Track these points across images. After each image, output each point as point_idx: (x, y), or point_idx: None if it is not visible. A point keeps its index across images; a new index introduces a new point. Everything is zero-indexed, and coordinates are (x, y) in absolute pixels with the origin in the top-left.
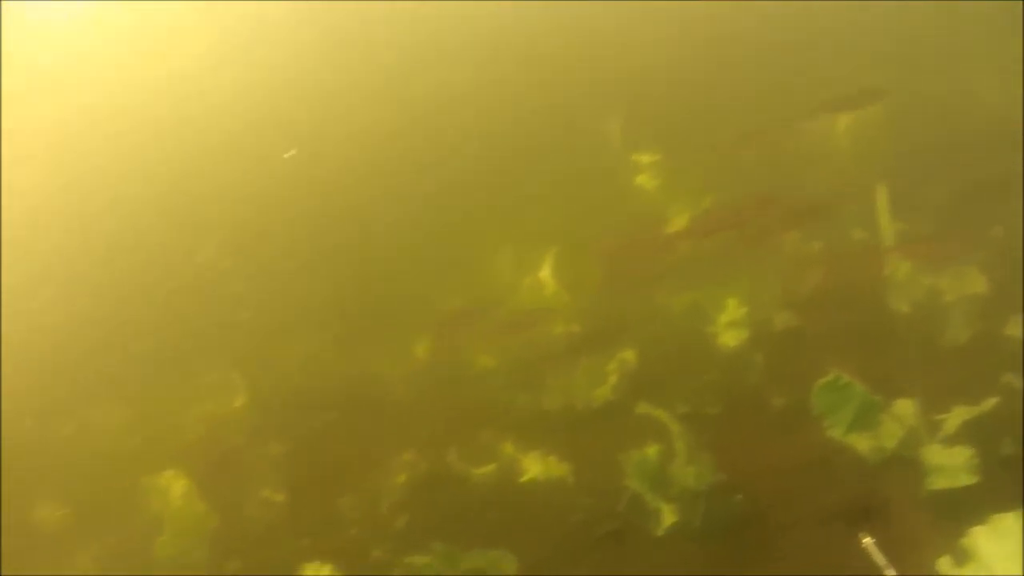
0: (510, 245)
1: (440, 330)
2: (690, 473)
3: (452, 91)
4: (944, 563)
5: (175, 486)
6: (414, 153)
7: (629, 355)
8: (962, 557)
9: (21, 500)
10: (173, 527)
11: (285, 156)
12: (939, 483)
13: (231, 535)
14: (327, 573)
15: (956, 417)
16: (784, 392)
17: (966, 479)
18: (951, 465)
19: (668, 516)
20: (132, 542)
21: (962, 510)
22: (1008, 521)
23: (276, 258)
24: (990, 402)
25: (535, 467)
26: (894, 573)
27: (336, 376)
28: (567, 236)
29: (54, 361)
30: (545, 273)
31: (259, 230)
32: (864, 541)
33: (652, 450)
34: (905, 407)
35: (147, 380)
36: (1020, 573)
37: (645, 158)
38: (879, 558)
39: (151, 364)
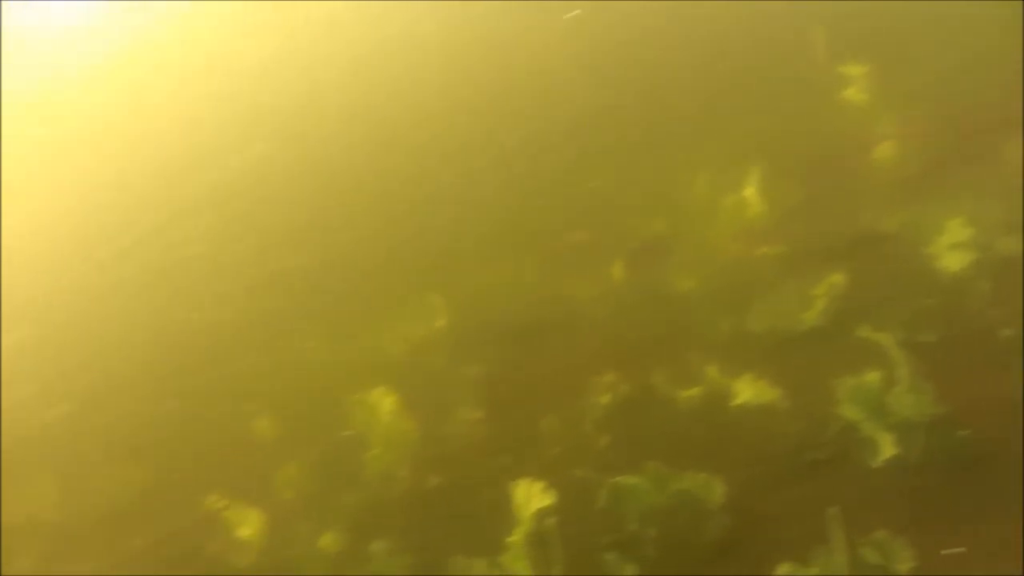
0: (710, 165)
1: (639, 252)
2: (910, 403)
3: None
4: None
5: (384, 403)
6: (612, 73)
7: (838, 278)
8: None
9: (239, 415)
10: (381, 442)
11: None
12: None
13: (433, 452)
14: (539, 489)
15: None
16: (1013, 322)
17: None
18: None
19: (886, 447)
20: (340, 455)
21: None
22: None
23: (475, 184)
24: None
25: (746, 391)
26: None
27: (534, 298)
28: (770, 154)
29: (271, 294)
30: (748, 192)
31: (462, 154)
32: None
33: (872, 376)
34: None
35: (352, 304)
36: None
37: (852, 70)
38: None
39: (356, 289)
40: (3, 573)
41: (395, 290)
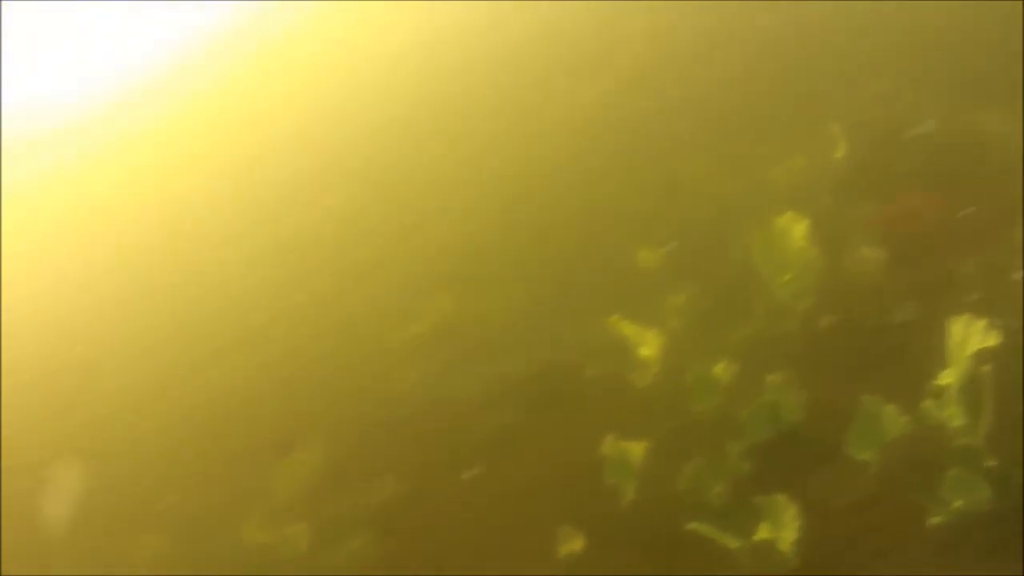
0: None
1: None
2: None
3: None
4: None
5: (794, 230)
6: None
7: None
8: None
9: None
10: (785, 272)
11: None
12: None
13: (836, 287)
14: (980, 328)
15: None
16: None
17: None
18: None
19: None
20: (736, 284)
21: None
22: None
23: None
24: None
25: None
26: None
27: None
28: None
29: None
30: None
31: None
32: None
33: None
34: None
35: (748, 132)
36: None
37: None
38: None
39: (751, 115)
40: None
41: (791, 119)
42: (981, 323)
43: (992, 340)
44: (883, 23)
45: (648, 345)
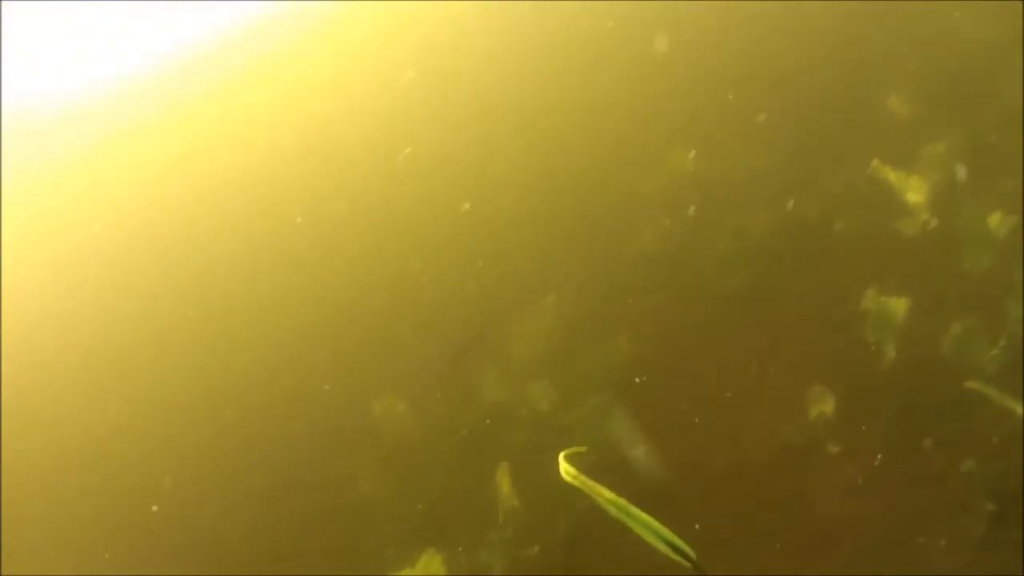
0: None
1: None
2: None
3: None
4: None
5: None
6: None
7: None
8: None
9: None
10: None
11: None
12: None
13: None
14: None
15: None
16: None
17: None
18: None
19: None
20: (1003, 123)
21: None
22: None
23: None
24: None
25: None
26: None
27: None
28: None
29: None
30: None
31: None
32: None
33: None
34: None
35: None
36: None
37: None
38: None
39: None
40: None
41: None
42: None
43: None
44: None
45: (911, 194)
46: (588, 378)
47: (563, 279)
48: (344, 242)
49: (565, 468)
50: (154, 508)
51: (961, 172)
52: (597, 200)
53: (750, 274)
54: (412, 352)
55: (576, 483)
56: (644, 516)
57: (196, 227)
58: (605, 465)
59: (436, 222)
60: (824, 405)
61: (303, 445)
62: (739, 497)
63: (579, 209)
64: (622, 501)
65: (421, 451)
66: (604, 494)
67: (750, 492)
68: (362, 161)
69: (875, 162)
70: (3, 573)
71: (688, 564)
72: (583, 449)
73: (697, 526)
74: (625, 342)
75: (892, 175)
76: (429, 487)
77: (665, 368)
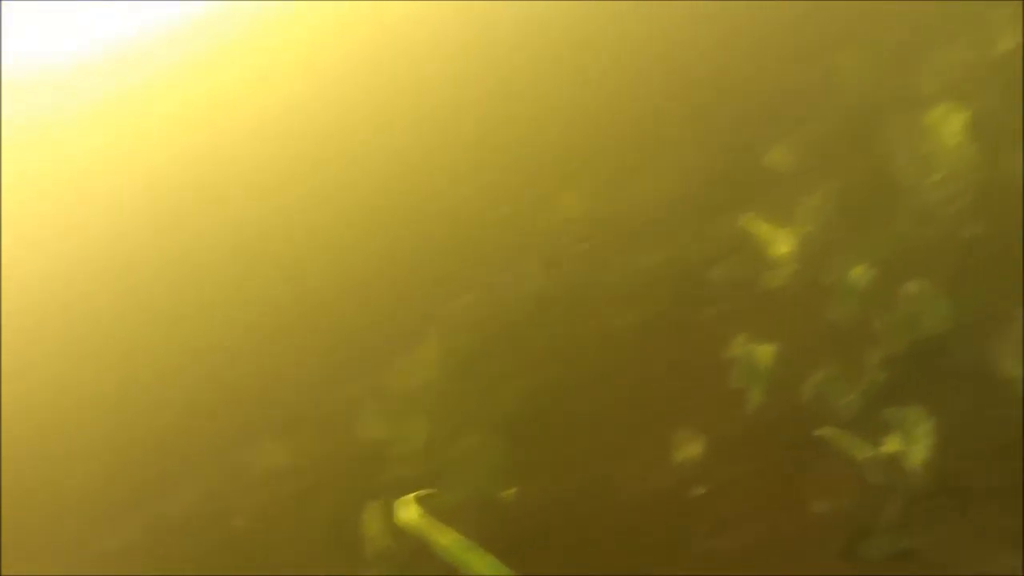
0: None
1: None
2: None
3: None
4: None
5: (946, 124)
6: None
7: None
8: None
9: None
10: (937, 171)
11: None
12: None
13: (992, 193)
14: None
15: None
16: None
17: None
18: None
19: None
20: (874, 178)
21: None
22: None
23: None
24: None
25: None
26: None
27: None
28: None
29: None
30: None
31: None
32: None
33: None
34: None
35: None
36: None
37: None
38: None
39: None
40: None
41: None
42: None
43: None
44: None
45: (780, 245)
46: (466, 417)
47: (447, 318)
48: (222, 281)
49: (401, 512)
50: None
51: (830, 224)
52: (485, 240)
53: (628, 318)
54: (291, 389)
55: (410, 526)
56: (488, 561)
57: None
58: (480, 503)
59: (319, 260)
60: (691, 448)
61: (182, 482)
62: (608, 537)
63: (467, 248)
64: (465, 544)
65: (295, 488)
66: (442, 538)
67: (619, 532)
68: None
69: (750, 213)
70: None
71: None
72: (431, 491)
73: (565, 568)
74: (504, 382)
75: (765, 226)
76: (302, 524)
77: (541, 408)
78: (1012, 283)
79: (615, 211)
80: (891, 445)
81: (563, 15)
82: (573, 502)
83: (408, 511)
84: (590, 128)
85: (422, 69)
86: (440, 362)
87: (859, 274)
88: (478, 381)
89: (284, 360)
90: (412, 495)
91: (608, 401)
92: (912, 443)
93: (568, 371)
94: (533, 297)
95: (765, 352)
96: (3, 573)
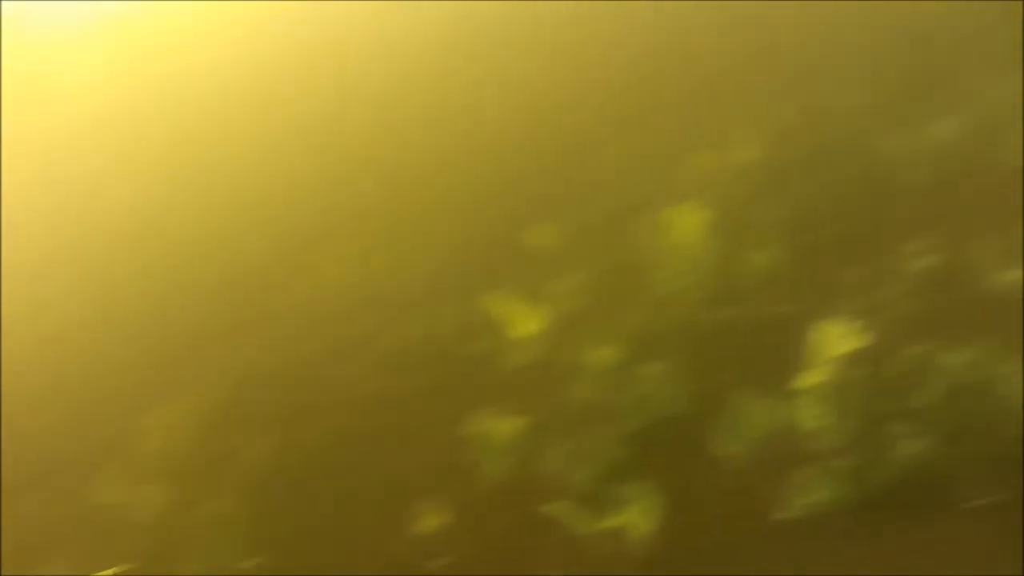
0: None
1: (972, 113)
2: None
3: None
4: None
5: (687, 221)
6: None
7: None
8: None
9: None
10: (678, 262)
11: None
12: None
13: (729, 283)
14: (849, 332)
15: None
16: None
17: None
18: None
19: None
20: (627, 272)
21: None
22: None
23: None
24: None
25: None
26: None
27: (852, 143)
28: None
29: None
30: None
31: None
32: None
33: None
34: None
35: (654, 125)
36: None
37: None
38: None
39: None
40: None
41: (708, 116)
42: (846, 327)
43: (855, 345)
44: (814, 30)
45: (527, 324)
46: (208, 482)
47: (194, 379)
48: None
49: None
50: None
51: (579, 307)
52: (240, 302)
53: (378, 387)
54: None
55: None
56: None
57: None
58: (220, 574)
59: (66, 321)
60: (432, 520)
61: None
62: None
63: (220, 308)
64: None
65: (29, 554)
66: None
67: None
68: None
69: (502, 291)
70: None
71: None
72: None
73: None
74: (248, 447)
75: (515, 305)
76: None
77: (286, 476)
78: (735, 368)
79: (373, 280)
80: (619, 518)
81: (307, 92)
82: (316, 574)
83: None
84: (351, 197)
85: None
86: (182, 424)
87: (602, 355)
88: (221, 445)
89: (16, 418)
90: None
91: (355, 471)
92: (638, 516)
93: (314, 439)
94: (284, 362)
95: (505, 427)
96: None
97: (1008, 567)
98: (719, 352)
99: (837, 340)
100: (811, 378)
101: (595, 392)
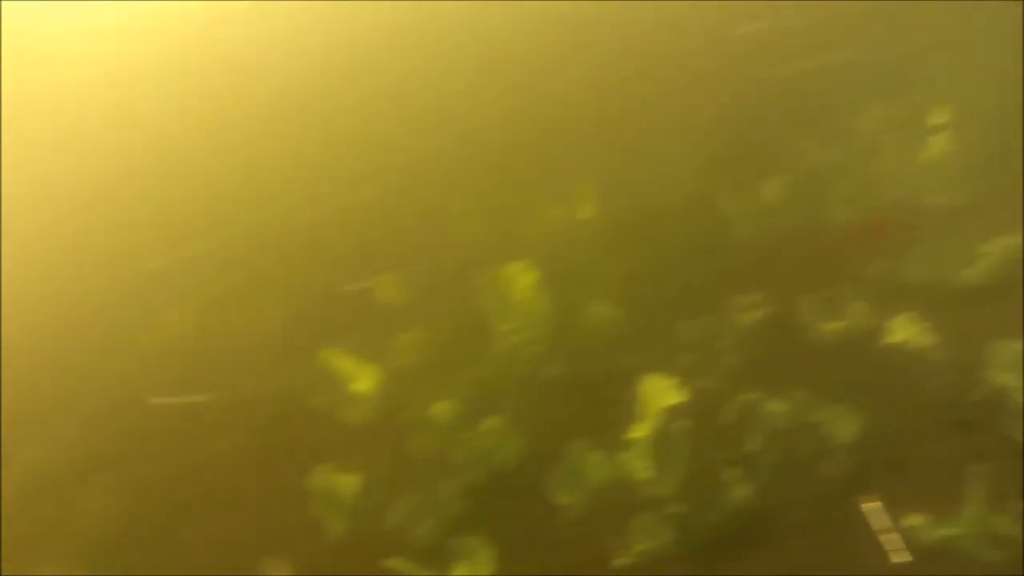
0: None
1: (798, 177)
2: None
3: None
4: None
5: (522, 279)
6: None
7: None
8: None
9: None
10: (513, 320)
11: None
12: None
13: (564, 339)
14: (671, 386)
15: None
16: None
17: None
18: None
19: None
20: (467, 328)
21: None
22: None
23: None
24: None
25: (900, 331)
26: None
27: (686, 203)
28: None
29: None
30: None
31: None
32: None
33: None
34: None
35: (497, 183)
36: None
37: None
38: None
39: (502, 169)
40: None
41: (546, 173)
42: (671, 381)
43: (680, 397)
44: (656, 95)
45: (365, 380)
46: (47, 545)
47: (39, 438)
48: None
49: None
50: None
51: (419, 362)
52: (92, 352)
53: (221, 444)
54: None
55: None
56: None
57: None
58: None
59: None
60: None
61: None
62: None
63: (66, 362)
64: None
65: None
66: None
67: None
68: None
69: (339, 347)
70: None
71: None
72: None
73: None
74: (90, 505)
75: (350, 361)
76: None
77: (130, 536)
78: (571, 421)
79: (220, 332)
80: (460, 570)
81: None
82: None
83: None
84: (199, 249)
85: None
86: (21, 486)
87: (442, 410)
88: (60, 507)
89: None
90: None
91: (198, 529)
92: (479, 568)
93: (156, 499)
94: (129, 419)
95: (348, 483)
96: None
97: None
98: (556, 406)
99: (663, 392)
100: (641, 429)
101: (435, 446)
